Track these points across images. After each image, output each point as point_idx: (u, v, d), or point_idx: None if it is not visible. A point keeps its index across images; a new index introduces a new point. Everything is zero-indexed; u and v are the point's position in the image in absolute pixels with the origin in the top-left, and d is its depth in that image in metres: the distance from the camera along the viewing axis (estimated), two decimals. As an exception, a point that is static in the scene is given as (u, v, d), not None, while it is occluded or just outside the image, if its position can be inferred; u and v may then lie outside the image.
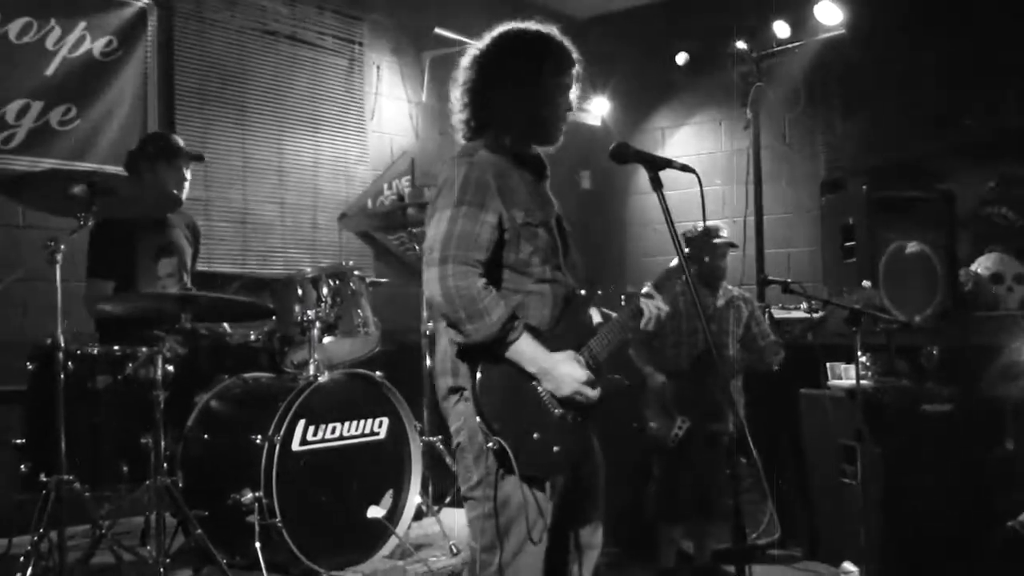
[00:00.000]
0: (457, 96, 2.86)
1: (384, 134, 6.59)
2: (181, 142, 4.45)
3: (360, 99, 6.43)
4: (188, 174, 4.39)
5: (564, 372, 2.66)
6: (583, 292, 2.88)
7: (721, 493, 4.81)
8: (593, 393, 2.69)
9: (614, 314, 2.89)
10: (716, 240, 4.90)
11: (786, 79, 6.60)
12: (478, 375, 2.63)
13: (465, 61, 2.88)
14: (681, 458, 4.84)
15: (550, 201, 2.90)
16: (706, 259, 4.77)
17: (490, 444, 2.58)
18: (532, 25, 2.87)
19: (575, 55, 2.88)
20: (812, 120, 6.83)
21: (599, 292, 2.92)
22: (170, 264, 4.31)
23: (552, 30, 2.87)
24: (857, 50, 6.25)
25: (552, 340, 2.71)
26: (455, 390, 2.72)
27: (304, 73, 6.10)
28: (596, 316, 2.87)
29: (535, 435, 2.64)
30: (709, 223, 4.93)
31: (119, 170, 4.47)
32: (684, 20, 7.10)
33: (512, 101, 2.78)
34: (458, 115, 2.87)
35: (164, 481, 3.56)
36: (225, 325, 4.25)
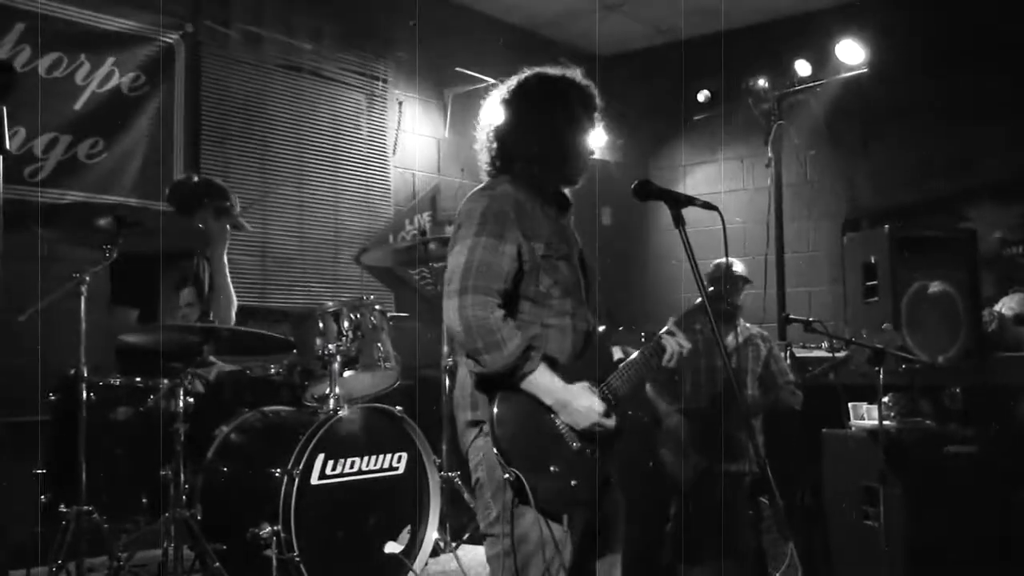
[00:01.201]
0: (482, 137, 2.91)
1: (406, 170, 6.63)
2: (238, 207, 4.49)
3: (382, 135, 6.48)
4: (228, 236, 4.44)
5: (582, 404, 2.65)
6: (604, 328, 2.88)
7: (741, 534, 4.76)
8: (611, 423, 2.69)
9: (635, 352, 2.89)
10: (733, 275, 4.91)
11: (808, 117, 6.60)
12: (495, 407, 2.62)
13: (490, 102, 2.93)
14: (699, 498, 4.80)
15: (573, 237, 2.93)
16: (729, 298, 4.78)
17: (507, 475, 2.57)
18: (554, 69, 2.92)
19: (597, 98, 2.92)
20: (834, 158, 6.82)
21: (620, 328, 2.92)
22: (190, 294, 4.33)
23: (575, 73, 2.92)
24: (879, 89, 6.25)
25: (571, 374, 2.70)
26: (474, 423, 2.72)
27: (327, 108, 6.16)
28: (617, 352, 2.87)
29: (552, 468, 2.63)
30: (722, 260, 4.96)
31: (145, 203, 4.52)
32: (706, 58, 7.13)
33: (534, 140, 2.83)
34: (482, 155, 2.91)
35: (183, 514, 3.56)
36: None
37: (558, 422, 2.67)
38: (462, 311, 2.59)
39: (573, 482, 2.65)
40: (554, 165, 2.85)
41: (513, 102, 2.88)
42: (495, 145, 2.88)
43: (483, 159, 2.91)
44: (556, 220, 2.86)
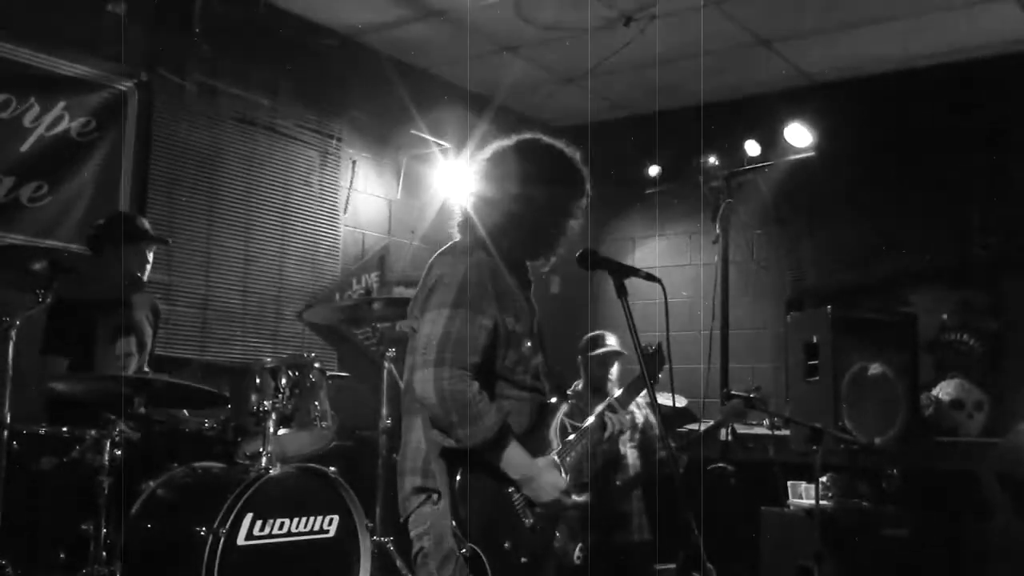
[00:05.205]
0: (465, 195, 2.86)
1: (356, 229, 6.60)
2: (146, 224, 4.43)
3: (334, 193, 6.46)
4: (151, 257, 4.36)
5: (547, 480, 2.64)
6: (552, 401, 2.87)
7: None
8: (570, 500, 2.68)
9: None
10: (599, 350, 4.96)
11: (755, 197, 6.71)
12: (458, 479, 2.56)
13: (477, 164, 2.87)
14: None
15: (534, 309, 2.90)
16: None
17: (463, 551, 2.52)
18: (555, 143, 2.89)
19: (587, 184, 2.88)
20: (779, 238, 6.93)
21: (570, 402, 2.94)
22: (129, 344, 4.24)
23: (573, 152, 2.88)
24: (825, 172, 6.38)
25: (525, 447, 2.68)
26: (422, 491, 2.66)
27: (279, 164, 6.13)
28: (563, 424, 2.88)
29: (506, 544, 2.60)
30: (595, 332, 5.11)
31: (85, 249, 4.44)
32: (658, 134, 7.24)
33: (509, 209, 2.78)
34: (458, 216, 2.86)
35: (101, 571, 3.43)
36: (185, 412, 4.17)
37: (515, 497, 2.64)
38: (438, 383, 2.53)
39: (523, 559, 2.63)
40: (524, 239, 2.81)
41: (497, 164, 2.82)
42: (472, 205, 2.82)
43: (456, 217, 2.86)
44: (521, 292, 2.84)
